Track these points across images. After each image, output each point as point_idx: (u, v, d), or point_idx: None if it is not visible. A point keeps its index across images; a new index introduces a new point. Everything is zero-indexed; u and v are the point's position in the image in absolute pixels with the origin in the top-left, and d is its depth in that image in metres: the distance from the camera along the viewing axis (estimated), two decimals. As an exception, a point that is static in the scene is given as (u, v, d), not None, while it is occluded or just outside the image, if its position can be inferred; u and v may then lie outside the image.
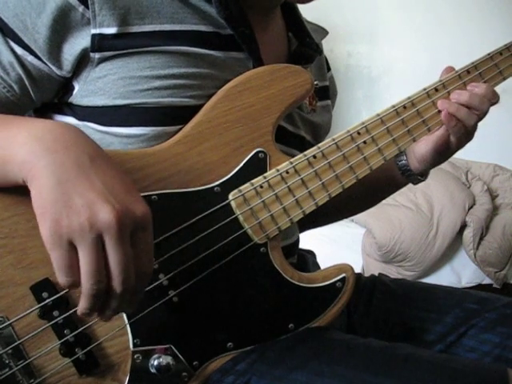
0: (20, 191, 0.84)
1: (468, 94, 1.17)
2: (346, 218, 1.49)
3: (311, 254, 1.39)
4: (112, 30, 0.96)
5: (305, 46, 1.21)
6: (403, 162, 1.27)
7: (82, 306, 0.80)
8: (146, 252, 0.82)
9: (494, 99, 1.19)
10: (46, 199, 0.76)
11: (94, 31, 0.96)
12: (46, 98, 1.03)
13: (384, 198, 1.44)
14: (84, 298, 0.79)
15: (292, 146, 1.15)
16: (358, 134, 1.09)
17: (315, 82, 1.13)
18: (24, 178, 0.80)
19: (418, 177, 1.29)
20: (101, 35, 0.96)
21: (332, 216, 1.47)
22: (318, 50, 1.24)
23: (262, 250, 1.01)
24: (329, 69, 1.39)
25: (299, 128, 1.20)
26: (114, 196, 0.78)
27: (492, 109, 1.20)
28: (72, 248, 0.76)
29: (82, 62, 0.98)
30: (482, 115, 1.18)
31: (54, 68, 0.98)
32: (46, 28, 0.95)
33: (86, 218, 0.75)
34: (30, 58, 0.97)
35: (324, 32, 1.33)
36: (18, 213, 0.89)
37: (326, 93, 1.34)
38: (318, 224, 1.47)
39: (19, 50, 0.97)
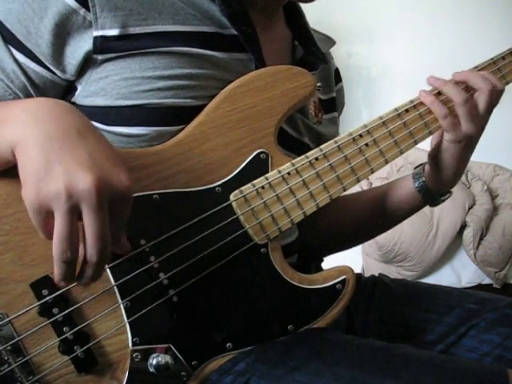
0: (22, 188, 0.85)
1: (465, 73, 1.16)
2: (361, 243, 1.49)
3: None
4: (114, 32, 0.96)
5: (310, 55, 1.21)
6: (421, 181, 1.25)
7: (55, 272, 0.80)
8: (118, 225, 0.82)
9: (498, 85, 1.16)
10: (29, 166, 0.77)
11: (96, 33, 0.96)
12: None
13: (400, 222, 1.43)
14: (55, 263, 0.79)
15: (294, 151, 1.14)
16: (360, 136, 1.09)
17: (318, 84, 1.13)
18: (13, 149, 0.81)
19: (436, 196, 1.26)
20: (103, 37, 0.96)
21: (349, 243, 1.50)
22: (324, 58, 1.24)
23: (262, 250, 1.02)
24: (340, 80, 1.39)
25: (303, 135, 1.20)
26: (97, 166, 0.78)
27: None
28: (51, 213, 0.77)
29: (86, 64, 0.99)
30: (487, 99, 1.15)
31: (57, 72, 0.98)
32: (48, 32, 0.95)
33: (64, 185, 0.75)
34: (32, 65, 0.97)
35: (331, 42, 1.34)
36: (20, 210, 0.89)
37: (332, 105, 1.35)
38: (341, 248, 1.50)
39: (21, 58, 0.97)
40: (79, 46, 0.97)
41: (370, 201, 1.35)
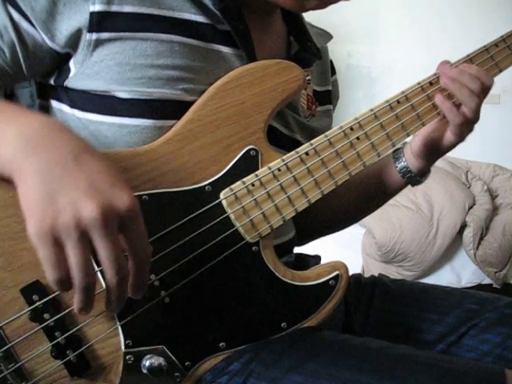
0: (9, 194, 0.86)
1: (458, 70, 1.15)
2: (349, 226, 1.48)
3: (315, 257, 1.38)
4: (110, 8, 0.97)
5: (305, 50, 1.21)
6: (403, 164, 1.25)
7: (77, 301, 0.81)
8: (140, 240, 0.83)
9: (487, 81, 1.16)
10: (31, 199, 0.78)
11: (92, 8, 0.96)
12: (37, 71, 1.03)
13: (384, 203, 1.43)
14: (77, 292, 0.80)
15: (286, 148, 1.13)
16: (351, 129, 1.08)
17: (308, 77, 1.12)
18: (11, 176, 0.81)
19: (418, 177, 1.27)
20: (99, 13, 0.96)
21: (332, 226, 1.46)
22: (318, 54, 1.23)
23: (253, 248, 1.01)
24: (334, 72, 1.39)
25: (294, 132, 1.19)
26: (98, 191, 0.78)
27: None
28: (58, 245, 0.77)
29: (78, 41, 0.98)
30: (478, 94, 1.15)
31: (46, 39, 0.98)
32: None
33: (70, 215, 0.76)
34: (25, 24, 0.97)
35: (328, 36, 1.33)
36: (8, 215, 0.89)
37: (327, 97, 1.34)
38: (320, 234, 1.46)
39: (16, 15, 0.97)
40: (73, 19, 0.97)
41: (353, 185, 1.34)
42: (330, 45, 1.35)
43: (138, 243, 0.82)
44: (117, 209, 0.78)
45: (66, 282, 0.79)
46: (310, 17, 1.27)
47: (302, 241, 1.37)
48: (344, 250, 3.36)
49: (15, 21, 0.97)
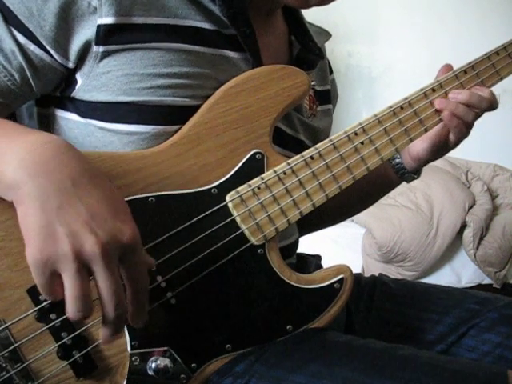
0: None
1: (468, 92, 1.16)
2: (342, 221, 1.49)
3: (316, 257, 1.39)
4: (117, 21, 0.96)
5: (307, 50, 1.21)
6: (397, 161, 1.27)
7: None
8: (139, 272, 0.82)
9: (494, 104, 1.19)
10: (30, 227, 0.77)
11: (99, 21, 0.95)
12: (47, 88, 1.03)
13: (379, 198, 1.44)
14: (71, 319, 0.80)
15: (291, 149, 1.15)
16: (356, 134, 1.08)
17: (312, 83, 1.12)
18: (11, 201, 0.81)
19: (412, 175, 1.29)
20: (106, 26, 0.96)
21: (328, 220, 1.47)
22: (321, 54, 1.23)
23: (259, 251, 1.01)
24: (331, 72, 1.39)
25: (298, 132, 1.20)
26: (99, 223, 0.77)
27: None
28: (55, 274, 0.76)
29: (86, 54, 0.98)
30: (480, 113, 1.18)
31: (57, 57, 0.98)
32: (52, 15, 0.95)
33: (69, 247, 0.75)
34: (32, 47, 0.97)
35: (327, 35, 1.33)
36: (15, 215, 0.87)
37: (327, 97, 1.34)
38: (313, 229, 1.47)
39: (22, 39, 0.96)
40: (82, 33, 0.96)
41: None
42: (330, 45, 1.36)
43: (137, 275, 0.81)
44: (119, 242, 0.78)
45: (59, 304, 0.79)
46: (310, 17, 1.27)
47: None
48: (344, 250, 3.36)
49: (22, 44, 0.97)
